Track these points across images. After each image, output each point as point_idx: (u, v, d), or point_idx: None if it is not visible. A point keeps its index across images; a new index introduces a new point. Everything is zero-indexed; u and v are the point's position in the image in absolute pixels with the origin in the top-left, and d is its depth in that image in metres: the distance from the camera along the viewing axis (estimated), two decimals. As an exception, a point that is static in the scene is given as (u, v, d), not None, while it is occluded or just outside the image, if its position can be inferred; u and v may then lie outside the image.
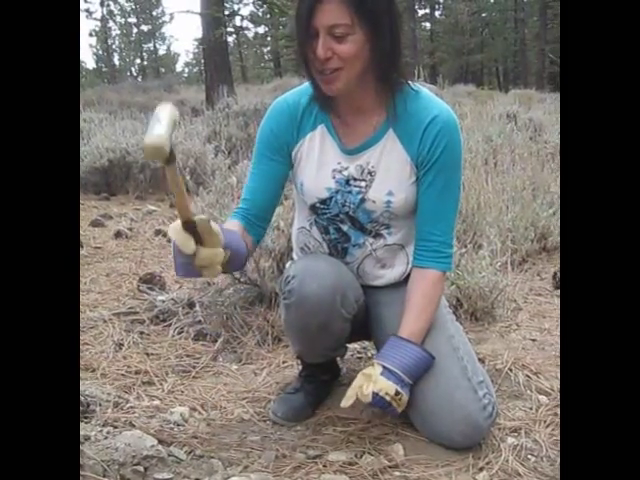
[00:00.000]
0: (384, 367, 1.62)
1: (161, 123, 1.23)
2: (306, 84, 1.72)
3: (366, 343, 2.25)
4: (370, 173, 1.69)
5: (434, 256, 1.71)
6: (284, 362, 2.22)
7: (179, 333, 2.48)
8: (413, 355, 1.63)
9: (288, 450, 1.65)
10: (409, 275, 1.80)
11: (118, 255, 3.86)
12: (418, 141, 1.65)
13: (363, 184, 1.70)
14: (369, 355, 2.23)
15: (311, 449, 1.66)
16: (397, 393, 1.60)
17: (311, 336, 1.68)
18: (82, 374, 2.12)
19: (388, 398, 1.60)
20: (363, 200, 1.71)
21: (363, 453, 1.63)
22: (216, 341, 2.36)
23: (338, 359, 2.03)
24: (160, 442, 1.58)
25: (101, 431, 1.59)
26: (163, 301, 2.69)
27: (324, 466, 1.57)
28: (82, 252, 3.78)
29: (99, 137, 6.27)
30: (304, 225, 1.84)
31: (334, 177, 1.71)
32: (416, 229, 1.74)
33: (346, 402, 1.65)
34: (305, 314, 1.62)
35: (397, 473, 1.55)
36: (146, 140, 1.21)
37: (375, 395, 1.60)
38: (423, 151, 1.65)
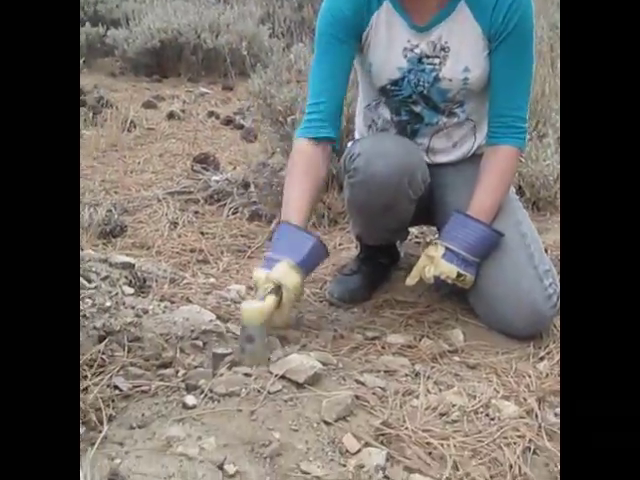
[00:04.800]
0: (447, 248, 1.57)
1: (255, 341, 1.35)
2: None
3: (424, 228, 2.21)
4: (443, 49, 1.61)
5: (508, 132, 1.65)
6: (340, 244, 2.20)
7: (234, 213, 2.47)
8: (477, 233, 1.57)
9: (346, 331, 1.63)
10: (475, 155, 1.76)
11: (171, 136, 3.82)
12: (490, 12, 1.57)
13: (437, 61, 1.62)
14: (427, 240, 2.18)
15: (369, 331, 1.63)
16: (459, 275, 1.57)
17: (374, 217, 1.64)
18: (137, 251, 2.14)
19: (450, 282, 1.58)
20: (437, 79, 1.63)
21: (422, 337, 1.61)
22: (271, 222, 2.34)
23: (397, 243, 1.98)
24: (217, 318, 1.57)
25: (159, 305, 1.59)
26: (217, 181, 2.67)
27: (383, 348, 1.55)
28: (135, 133, 3.76)
29: (150, 17, 6.10)
30: (371, 103, 1.77)
31: (405, 56, 1.63)
32: (490, 105, 1.67)
33: (411, 280, 1.64)
34: (370, 194, 1.57)
35: (456, 358, 1.53)
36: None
37: (437, 278, 1.58)
38: (496, 23, 1.57)
